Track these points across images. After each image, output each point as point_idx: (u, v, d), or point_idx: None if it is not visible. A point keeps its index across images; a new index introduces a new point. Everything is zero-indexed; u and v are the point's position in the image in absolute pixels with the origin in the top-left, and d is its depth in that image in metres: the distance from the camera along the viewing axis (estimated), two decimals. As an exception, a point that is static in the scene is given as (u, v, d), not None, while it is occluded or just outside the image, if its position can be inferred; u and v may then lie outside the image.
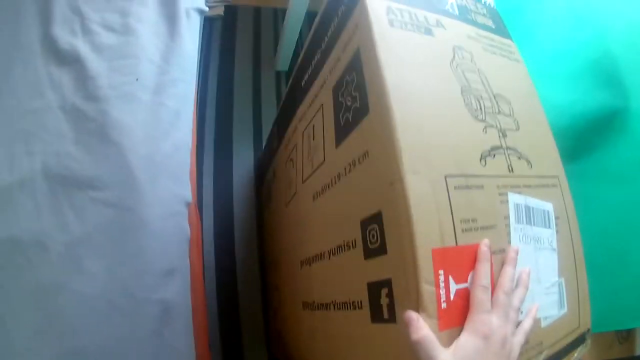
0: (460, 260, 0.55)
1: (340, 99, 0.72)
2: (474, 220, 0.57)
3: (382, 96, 0.58)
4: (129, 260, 0.65)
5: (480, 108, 0.65)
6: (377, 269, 0.59)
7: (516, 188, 0.64)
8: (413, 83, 0.60)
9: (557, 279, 0.66)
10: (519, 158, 0.67)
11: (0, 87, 0.69)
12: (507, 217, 0.61)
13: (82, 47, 0.78)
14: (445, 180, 0.57)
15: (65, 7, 0.82)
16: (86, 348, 0.59)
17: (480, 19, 0.79)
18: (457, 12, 0.75)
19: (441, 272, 0.53)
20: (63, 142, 0.68)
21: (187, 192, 0.74)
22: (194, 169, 0.79)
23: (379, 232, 0.58)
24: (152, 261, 0.66)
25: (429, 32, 0.68)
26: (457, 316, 0.53)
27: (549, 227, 0.67)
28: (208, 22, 1.54)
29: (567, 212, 0.71)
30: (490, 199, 0.60)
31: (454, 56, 0.68)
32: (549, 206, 0.68)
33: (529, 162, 0.68)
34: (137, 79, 0.76)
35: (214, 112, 1.51)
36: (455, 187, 0.57)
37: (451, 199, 0.56)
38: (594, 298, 1.02)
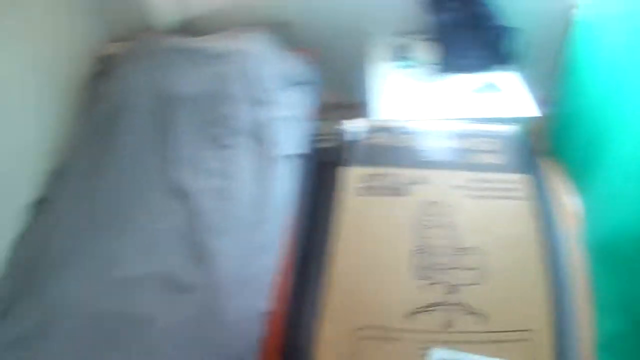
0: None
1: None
2: None
3: (330, 265, 0.77)
4: (206, 344, 0.88)
5: (430, 266, 0.73)
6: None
7: (448, 343, 0.69)
8: (358, 250, 0.76)
9: None
10: (467, 313, 0.70)
11: (141, 211, 1.05)
12: None
13: (192, 187, 1.07)
14: (357, 332, 0.72)
15: (180, 153, 1.12)
16: None
17: (485, 158, 0.79)
18: (451, 158, 0.80)
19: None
20: (174, 257, 0.98)
21: (263, 304, 0.92)
22: (285, 284, 0.97)
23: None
24: (223, 349, 0.87)
25: (403, 192, 0.79)
26: None
27: None
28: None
29: None
30: (404, 351, 0.69)
31: (420, 213, 0.77)
32: None
33: (484, 316, 0.70)
34: (232, 218, 1.02)
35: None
36: (365, 338, 0.71)
37: (358, 347, 0.71)
38: None
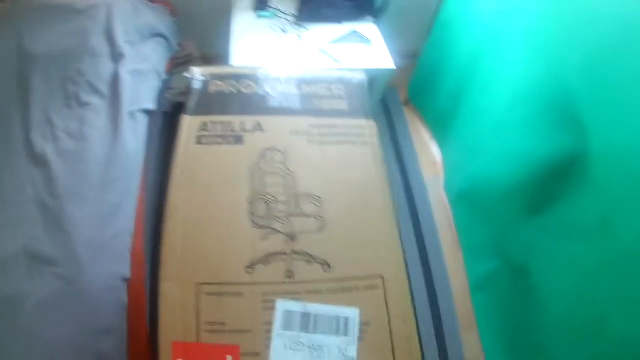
0: (200, 356, 0.63)
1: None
2: (221, 324, 0.64)
3: (167, 220, 0.70)
4: (75, 318, 0.88)
5: (268, 215, 0.69)
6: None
7: (293, 295, 0.65)
8: (194, 201, 0.70)
9: (354, 389, 0.63)
10: (310, 262, 0.67)
11: (7, 182, 0.98)
12: (270, 323, 0.64)
13: (50, 152, 1.02)
14: (198, 287, 0.65)
15: (40, 115, 1.08)
16: None
17: (330, 104, 0.77)
18: (294, 104, 0.76)
19: (179, 360, 0.64)
20: (36, 229, 0.94)
21: (125, 270, 0.93)
22: (140, 248, 0.97)
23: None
24: (92, 322, 0.87)
25: (239, 140, 0.74)
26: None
27: (345, 334, 0.65)
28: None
29: (389, 316, 0.66)
30: (248, 305, 0.64)
31: (258, 161, 0.72)
32: (349, 312, 0.65)
33: (327, 265, 0.67)
34: (85, 180, 0.99)
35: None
36: (207, 294, 0.65)
37: (200, 304, 0.64)
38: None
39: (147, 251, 0.96)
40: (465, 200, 0.96)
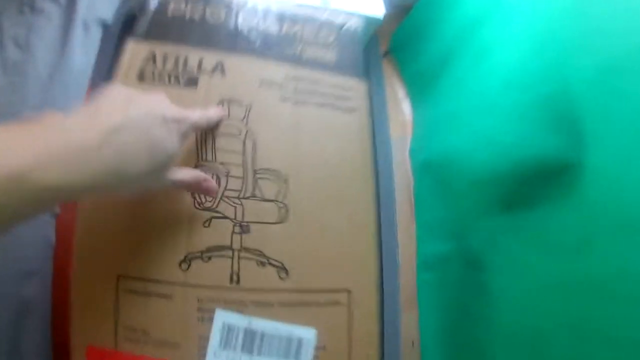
0: (118, 367, 0.51)
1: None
2: (144, 332, 0.49)
3: None
4: None
5: (216, 192, 0.51)
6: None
7: (238, 305, 0.50)
8: None
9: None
10: (263, 264, 0.50)
11: None
12: (206, 339, 0.49)
13: None
14: (117, 281, 0.50)
15: None
16: None
17: (313, 52, 0.56)
18: (270, 45, 0.56)
19: (95, 368, 0.51)
20: None
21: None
22: None
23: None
24: (13, 263, 0.73)
25: (192, 82, 0.54)
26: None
27: (296, 358, 0.50)
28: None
29: (350, 340, 0.52)
30: (179, 312, 0.49)
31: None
32: (305, 333, 0.50)
33: (284, 269, 0.50)
34: (23, 98, 0.86)
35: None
36: (129, 290, 0.50)
37: (120, 303, 0.50)
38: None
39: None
40: (431, 171, 0.88)
